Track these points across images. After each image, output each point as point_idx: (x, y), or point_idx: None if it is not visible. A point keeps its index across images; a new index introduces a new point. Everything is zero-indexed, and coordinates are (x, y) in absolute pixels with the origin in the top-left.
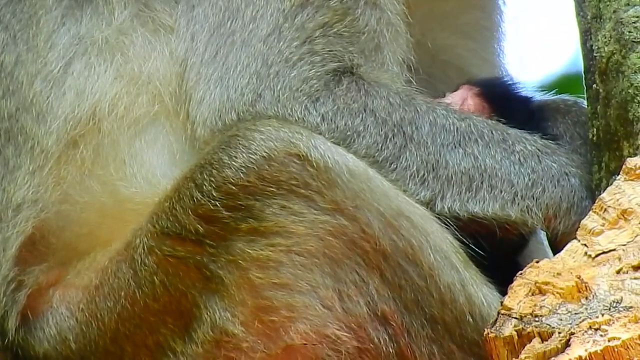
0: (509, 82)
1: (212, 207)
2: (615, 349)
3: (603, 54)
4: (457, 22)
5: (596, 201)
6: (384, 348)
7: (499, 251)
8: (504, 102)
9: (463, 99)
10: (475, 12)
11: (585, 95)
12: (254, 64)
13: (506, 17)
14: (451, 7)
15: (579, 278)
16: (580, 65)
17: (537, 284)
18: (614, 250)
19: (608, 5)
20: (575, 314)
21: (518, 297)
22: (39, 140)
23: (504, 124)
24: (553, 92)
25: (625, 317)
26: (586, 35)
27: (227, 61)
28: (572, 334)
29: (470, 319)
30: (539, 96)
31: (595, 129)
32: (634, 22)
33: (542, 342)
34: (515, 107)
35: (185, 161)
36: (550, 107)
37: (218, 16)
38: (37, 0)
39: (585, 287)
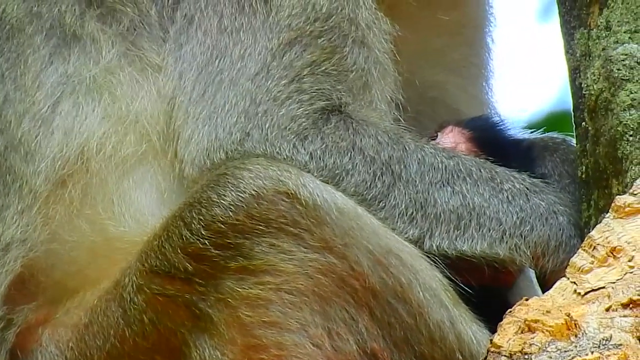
0: (499, 123)
1: (201, 246)
2: None
3: (592, 92)
4: (445, 60)
5: (585, 239)
6: None
7: (488, 289)
8: (496, 145)
9: (456, 143)
10: (463, 49)
11: (574, 133)
12: (242, 103)
13: (494, 55)
14: (439, 45)
15: (568, 316)
16: (568, 103)
17: (526, 322)
18: (603, 288)
19: (597, 43)
20: (565, 351)
21: (507, 335)
22: (28, 179)
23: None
24: (541, 130)
25: (614, 354)
26: (575, 73)
27: (215, 100)
28: None
29: (460, 357)
30: (527, 135)
31: (584, 167)
32: (622, 60)
33: None
34: (507, 150)
35: (173, 200)
36: (538, 145)
37: (206, 55)
38: (25, 39)
39: (575, 325)
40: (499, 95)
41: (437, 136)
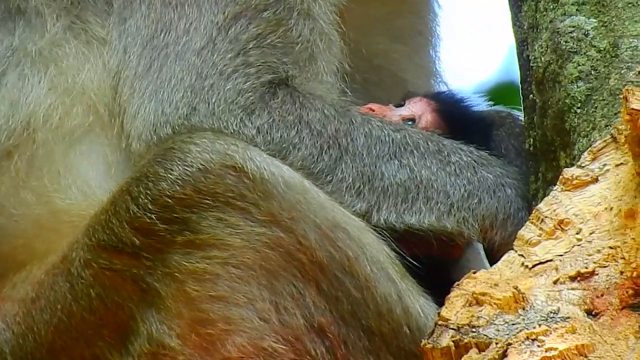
0: (465, 99)
1: (148, 220)
2: None
3: (540, 64)
4: (391, 28)
5: (533, 212)
6: None
7: (436, 262)
8: (460, 120)
9: (422, 112)
10: (410, 17)
11: (521, 105)
12: (188, 77)
13: (441, 21)
14: (385, 13)
15: (516, 289)
16: (512, 74)
17: (474, 295)
18: (550, 260)
19: (544, 15)
20: (513, 324)
21: (455, 307)
22: None
23: (454, 138)
24: (488, 102)
25: (562, 327)
26: (523, 45)
27: (160, 74)
28: (510, 344)
29: (407, 330)
30: (479, 109)
31: (532, 139)
32: (570, 32)
33: (480, 353)
34: (470, 125)
35: (120, 173)
36: (485, 119)
37: (150, 29)
38: None
39: (522, 297)
40: (445, 64)
41: (403, 104)
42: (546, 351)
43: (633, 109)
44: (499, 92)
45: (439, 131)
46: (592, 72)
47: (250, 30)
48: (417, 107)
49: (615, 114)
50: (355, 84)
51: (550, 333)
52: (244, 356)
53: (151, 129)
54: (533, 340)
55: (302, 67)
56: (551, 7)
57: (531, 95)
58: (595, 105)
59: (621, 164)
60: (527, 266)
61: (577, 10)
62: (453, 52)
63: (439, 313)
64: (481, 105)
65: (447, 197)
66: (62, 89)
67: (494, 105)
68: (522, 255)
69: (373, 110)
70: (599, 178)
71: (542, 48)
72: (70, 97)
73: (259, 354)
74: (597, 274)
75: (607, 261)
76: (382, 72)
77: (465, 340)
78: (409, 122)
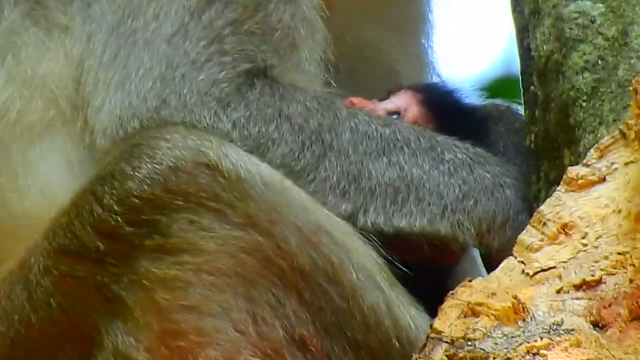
0: (454, 90)
1: (113, 223)
2: None
3: (542, 53)
4: (382, 15)
5: (534, 214)
6: None
7: (428, 269)
8: (449, 112)
9: (407, 105)
10: (402, 3)
11: (521, 99)
12: (158, 67)
13: (436, 9)
14: None
15: (515, 298)
16: (512, 66)
17: (470, 305)
18: (554, 267)
19: (547, 0)
20: (512, 337)
21: (449, 319)
22: None
23: (445, 133)
24: (485, 95)
25: (566, 340)
26: (523, 33)
27: (128, 64)
28: (509, 359)
29: (397, 343)
30: (473, 102)
31: (533, 136)
32: (575, 19)
33: None
34: (460, 118)
35: (84, 172)
36: (481, 114)
37: (117, 14)
38: None
39: (523, 308)
40: (441, 55)
41: (388, 97)
42: None
43: None
44: (498, 85)
45: (430, 126)
46: (599, 62)
47: (226, 16)
48: (401, 100)
49: (624, 107)
50: (341, 76)
51: (553, 347)
52: None
53: (117, 123)
54: (534, 354)
55: (283, 55)
56: None
57: (532, 88)
58: (603, 98)
59: (631, 162)
60: (527, 274)
61: None
62: (449, 42)
63: (431, 325)
64: (475, 97)
65: (441, 198)
66: (20, 81)
67: (492, 98)
68: (522, 262)
69: (353, 104)
70: (607, 177)
71: (544, 36)
72: (29, 89)
73: None
74: (605, 283)
75: (615, 268)
76: (371, 62)
77: (460, 355)
78: (394, 117)
